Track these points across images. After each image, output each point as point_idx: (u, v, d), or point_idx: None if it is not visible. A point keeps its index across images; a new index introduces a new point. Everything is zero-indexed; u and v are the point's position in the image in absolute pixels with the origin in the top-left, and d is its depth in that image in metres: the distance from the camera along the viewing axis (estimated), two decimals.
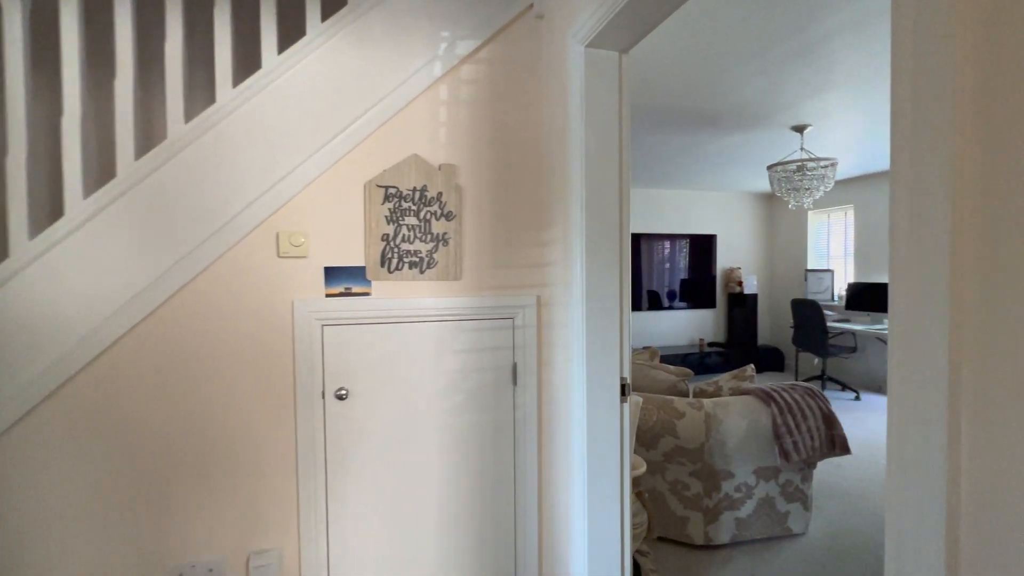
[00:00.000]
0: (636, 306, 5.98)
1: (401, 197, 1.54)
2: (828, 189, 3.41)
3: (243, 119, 1.39)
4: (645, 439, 2.25)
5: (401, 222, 1.54)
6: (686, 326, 6.27)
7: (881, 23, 2.00)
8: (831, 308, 5.65)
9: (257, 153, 1.41)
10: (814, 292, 5.80)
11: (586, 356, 1.42)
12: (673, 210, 6.13)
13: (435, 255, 1.58)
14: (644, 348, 5.36)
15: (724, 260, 6.41)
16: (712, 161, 4.47)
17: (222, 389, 1.41)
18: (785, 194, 3.50)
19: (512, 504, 1.68)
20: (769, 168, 3.51)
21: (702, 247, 6.27)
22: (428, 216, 1.57)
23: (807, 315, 4.97)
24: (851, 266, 5.58)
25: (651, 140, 3.76)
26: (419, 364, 1.58)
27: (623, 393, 1.46)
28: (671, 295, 6.16)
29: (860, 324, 5.04)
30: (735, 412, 2.19)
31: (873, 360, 5.24)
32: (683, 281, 6.22)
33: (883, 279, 5.14)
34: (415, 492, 1.59)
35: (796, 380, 5.42)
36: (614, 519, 1.45)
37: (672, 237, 6.13)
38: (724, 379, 2.59)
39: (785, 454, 2.15)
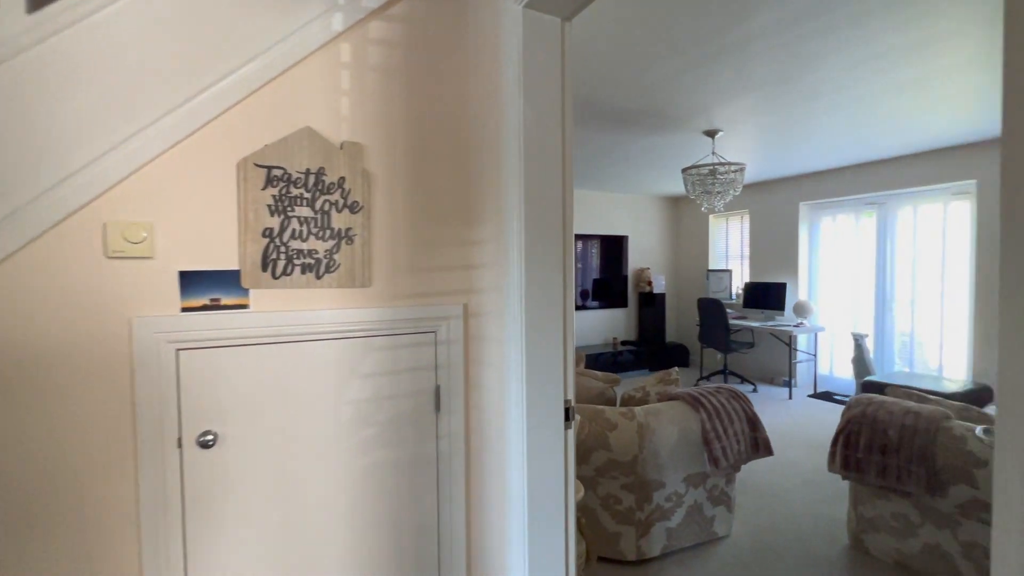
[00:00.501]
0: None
1: (290, 181, 1.21)
2: (736, 193, 3.54)
3: (53, 58, 0.98)
4: (577, 454, 2.09)
5: (290, 213, 1.21)
6: (600, 325, 6.35)
7: (805, 23, 2.01)
8: (730, 306, 6.02)
9: (75, 109, 1.00)
10: (715, 291, 6.15)
11: (526, 375, 1.20)
12: (588, 211, 6.18)
13: (336, 256, 1.26)
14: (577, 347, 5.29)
15: (635, 261, 6.60)
16: (630, 163, 4.50)
17: (38, 434, 0.99)
18: (698, 196, 3.57)
19: (436, 555, 1.41)
20: (684, 171, 3.56)
21: (615, 248, 6.39)
22: (326, 206, 1.25)
23: (712, 313, 5.22)
24: (747, 267, 5.99)
25: (582, 136, 3.65)
26: (316, 394, 1.25)
27: (567, 418, 1.26)
28: (584, 295, 6.20)
29: (756, 321, 5.41)
30: (666, 420, 2.11)
31: (767, 354, 5.65)
32: (596, 281, 6.29)
33: (775, 279, 5.56)
34: (312, 554, 1.26)
35: (701, 374, 5.71)
36: (558, 564, 1.25)
37: (586, 237, 6.18)
38: (650, 383, 2.53)
39: (715, 460, 2.10)
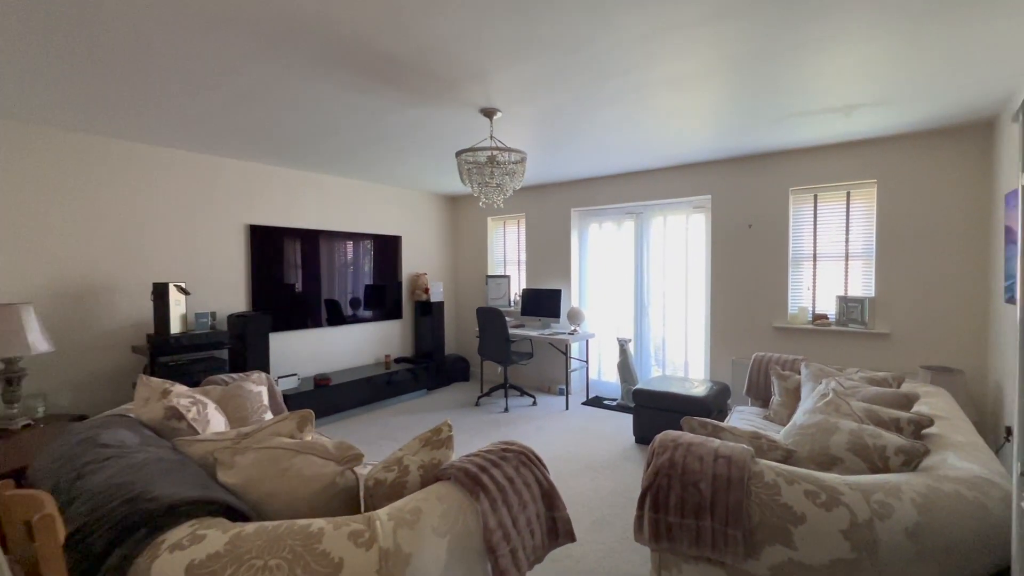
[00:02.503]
0: (315, 321, 4.66)
1: None
2: (517, 187, 3.02)
3: None
4: None
5: None
6: (370, 341, 5.33)
7: None
8: (509, 314, 5.72)
9: None
10: (494, 298, 5.78)
11: None
12: (354, 204, 5.09)
13: None
14: (320, 378, 4.09)
15: (410, 265, 5.78)
16: (396, 144, 3.63)
17: None
18: (475, 188, 2.93)
19: None
20: (458, 155, 2.87)
21: (388, 250, 5.46)
22: None
23: (491, 324, 4.76)
24: (524, 273, 5.78)
25: (311, 92, 2.59)
26: None
27: None
28: (351, 304, 5.10)
29: (534, 329, 5.17)
30: (429, 530, 1.29)
31: (544, 363, 5.50)
32: (366, 288, 5.26)
33: (550, 285, 5.45)
34: None
35: (482, 390, 5.22)
36: None
37: (355, 236, 5.08)
38: (411, 449, 1.68)
39: (501, 573, 1.38)
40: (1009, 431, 2.66)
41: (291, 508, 1.46)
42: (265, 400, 2.73)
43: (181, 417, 2.04)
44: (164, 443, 1.81)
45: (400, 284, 5.60)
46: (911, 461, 1.65)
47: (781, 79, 2.45)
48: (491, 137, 2.93)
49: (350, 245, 5.09)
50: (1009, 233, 2.65)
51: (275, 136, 3.42)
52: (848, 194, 3.80)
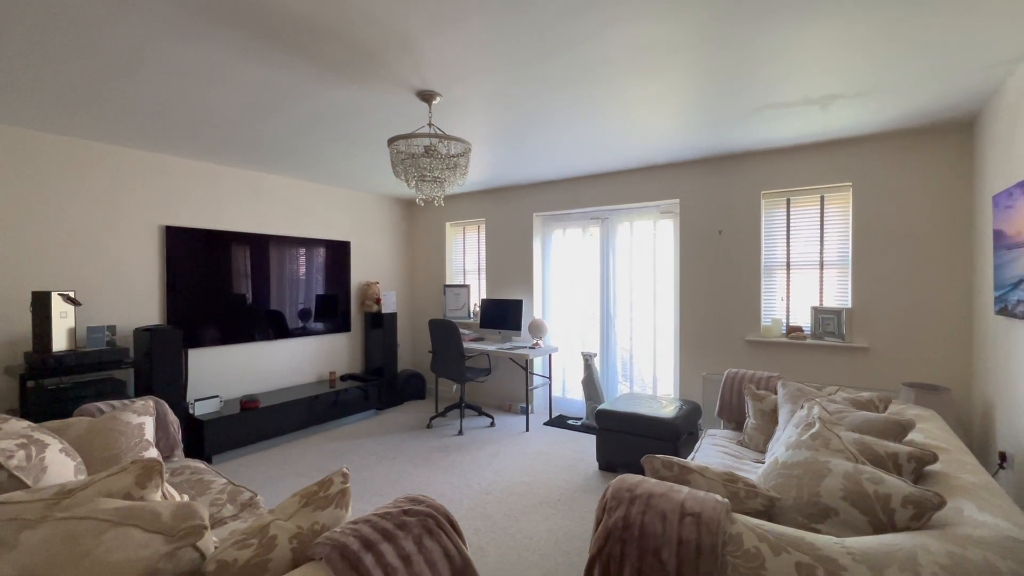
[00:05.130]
0: (247, 336, 4.14)
1: None
2: (462, 182, 2.64)
3: None
4: None
5: None
6: (313, 356, 4.83)
7: None
8: (467, 326, 5.31)
9: None
10: (452, 309, 5.37)
11: None
12: (297, 206, 4.62)
13: None
14: (247, 400, 3.34)
15: (360, 273, 5.32)
16: (329, 133, 3.21)
17: None
18: (410, 182, 2.54)
19: None
20: (390, 143, 2.48)
21: (335, 256, 4.99)
22: None
23: (445, 338, 4.34)
24: (484, 282, 5.40)
25: (203, 61, 2.16)
26: None
27: None
28: (289, 317, 4.61)
29: (493, 343, 4.78)
30: None
31: (504, 379, 5.10)
32: (308, 299, 4.77)
33: (512, 295, 5.07)
34: None
35: (436, 410, 4.78)
36: None
37: (296, 242, 4.60)
38: (286, 510, 1.26)
39: None
40: (1003, 457, 2.40)
41: None
42: (148, 434, 2.24)
43: None
44: None
45: (348, 294, 5.13)
46: (922, 515, 1.32)
47: (752, 57, 2.15)
48: (429, 124, 2.55)
49: (291, 251, 4.61)
50: (999, 237, 2.41)
51: (184, 122, 2.96)
52: (822, 198, 3.56)
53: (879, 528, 1.34)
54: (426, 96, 2.52)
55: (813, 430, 1.75)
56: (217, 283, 4.02)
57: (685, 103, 2.67)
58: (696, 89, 2.48)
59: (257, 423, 3.81)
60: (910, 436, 2.01)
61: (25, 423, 1.86)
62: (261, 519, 1.24)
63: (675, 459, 1.63)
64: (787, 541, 1.19)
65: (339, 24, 1.84)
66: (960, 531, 1.24)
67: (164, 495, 1.47)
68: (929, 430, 2.07)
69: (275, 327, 4.44)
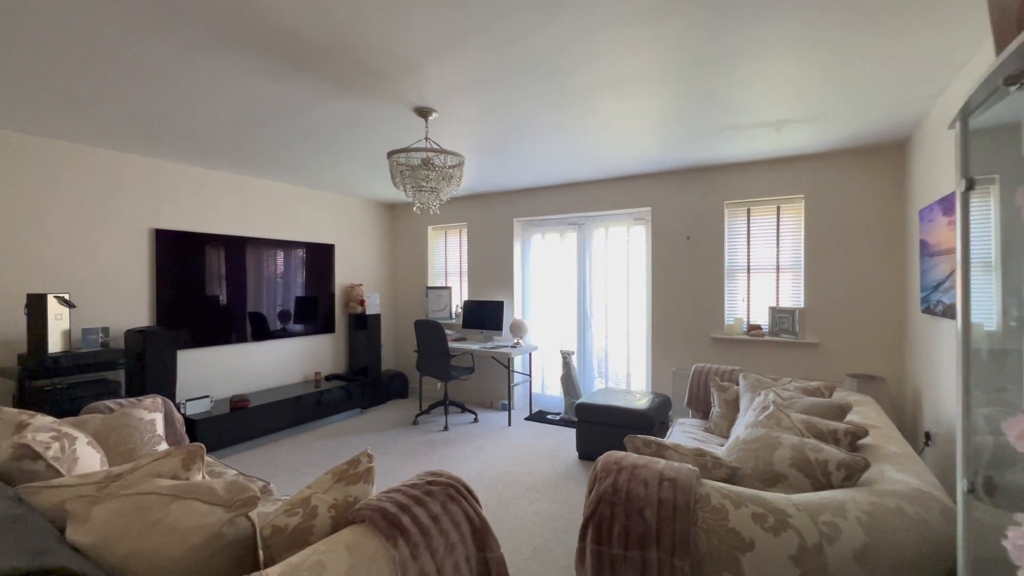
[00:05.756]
0: (235, 337, 4.21)
1: None
2: (455, 192, 2.84)
3: None
4: None
5: None
6: (299, 357, 4.92)
7: None
8: (450, 327, 5.50)
9: None
10: (434, 310, 5.54)
11: None
12: (283, 210, 4.70)
13: None
14: (237, 400, 3.60)
15: (344, 275, 5.43)
16: (327, 142, 3.35)
17: None
18: (409, 191, 2.73)
19: None
20: (390, 156, 2.66)
21: (320, 259, 5.09)
22: None
23: (430, 338, 4.52)
24: (466, 284, 5.59)
25: (217, 77, 2.30)
26: None
27: None
28: (275, 318, 4.69)
29: (476, 343, 4.99)
30: None
31: (486, 377, 5.31)
32: (293, 300, 4.86)
33: (493, 297, 5.29)
34: None
35: (421, 407, 4.94)
36: None
37: (286, 244, 4.69)
38: (322, 485, 1.44)
39: None
40: (928, 436, 2.77)
41: (160, 572, 1.18)
42: (159, 429, 2.36)
43: (37, 456, 1.68)
44: (5, 493, 1.46)
45: (333, 296, 5.24)
46: (852, 475, 1.61)
47: (717, 88, 2.45)
48: (426, 139, 2.75)
49: (277, 254, 4.69)
50: (924, 246, 2.79)
51: (183, 129, 3.06)
52: (778, 208, 3.93)
53: (819, 487, 1.63)
54: (423, 112, 2.71)
55: (768, 412, 2.04)
56: (204, 285, 4.09)
57: (658, 123, 2.96)
58: (667, 111, 2.76)
59: (247, 422, 3.90)
60: (849, 417, 2.34)
61: (50, 419, 1.96)
62: (302, 493, 1.43)
63: (652, 438, 1.89)
64: (745, 498, 1.46)
65: (349, 47, 2.02)
66: (881, 487, 1.54)
67: (204, 477, 1.63)
68: (865, 412, 2.40)
69: (259, 328, 4.52)
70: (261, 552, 1.33)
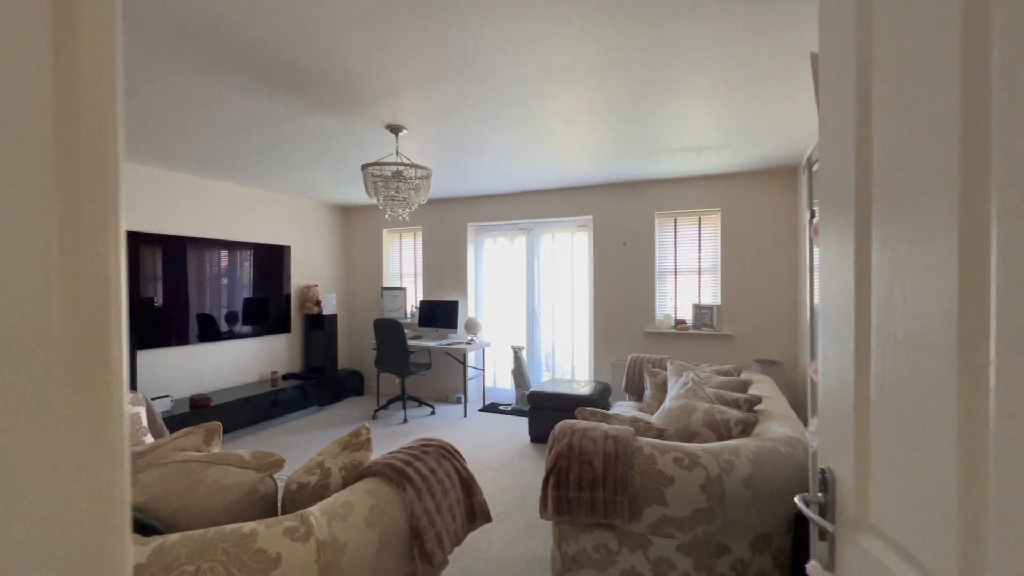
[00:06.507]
0: (187, 338, 4.23)
1: None
2: (423, 201, 3.15)
3: None
4: None
5: None
6: (255, 357, 4.98)
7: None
8: (407, 326, 5.74)
9: None
10: (390, 310, 5.76)
11: None
12: (236, 211, 4.75)
13: None
14: (197, 399, 3.73)
15: (300, 277, 5.52)
16: (293, 150, 3.53)
17: None
18: (381, 201, 3.00)
19: None
20: (364, 168, 2.93)
21: (274, 260, 5.16)
22: None
23: (389, 336, 4.76)
24: (420, 285, 5.86)
25: (204, 94, 2.48)
26: None
27: None
28: (231, 318, 4.73)
29: (431, 340, 5.27)
30: (361, 521, 1.38)
31: (441, 373, 5.61)
32: (249, 301, 4.91)
33: (448, 297, 5.59)
34: None
35: (379, 403, 5.15)
36: None
37: (235, 245, 4.73)
38: (331, 453, 1.74)
39: (427, 556, 1.51)
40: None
41: (206, 520, 1.44)
42: (144, 422, 2.49)
43: None
44: None
45: (288, 296, 5.32)
46: (746, 429, 2.11)
47: (649, 121, 2.94)
48: (396, 153, 3.04)
49: (231, 255, 4.73)
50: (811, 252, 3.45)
51: (149, 134, 3.15)
52: (699, 219, 4.55)
53: (723, 439, 2.12)
54: (395, 128, 3.00)
55: (688, 387, 2.53)
56: (161, 286, 4.10)
57: (600, 145, 3.42)
58: (608, 136, 3.23)
59: (209, 420, 3.96)
60: (750, 391, 2.90)
61: None
62: (314, 459, 1.71)
63: (599, 409, 2.32)
64: (668, 448, 1.91)
65: (335, 73, 2.29)
66: (766, 436, 2.05)
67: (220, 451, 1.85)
68: (762, 387, 2.98)
69: (213, 329, 4.56)
70: (280, 505, 1.61)
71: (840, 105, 0.78)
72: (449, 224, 5.59)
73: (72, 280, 0.34)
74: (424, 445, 1.76)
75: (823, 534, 0.81)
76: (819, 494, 0.82)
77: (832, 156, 0.81)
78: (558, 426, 2.07)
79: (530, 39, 1.97)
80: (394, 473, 1.56)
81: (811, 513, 0.81)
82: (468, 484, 1.75)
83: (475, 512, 1.74)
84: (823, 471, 0.83)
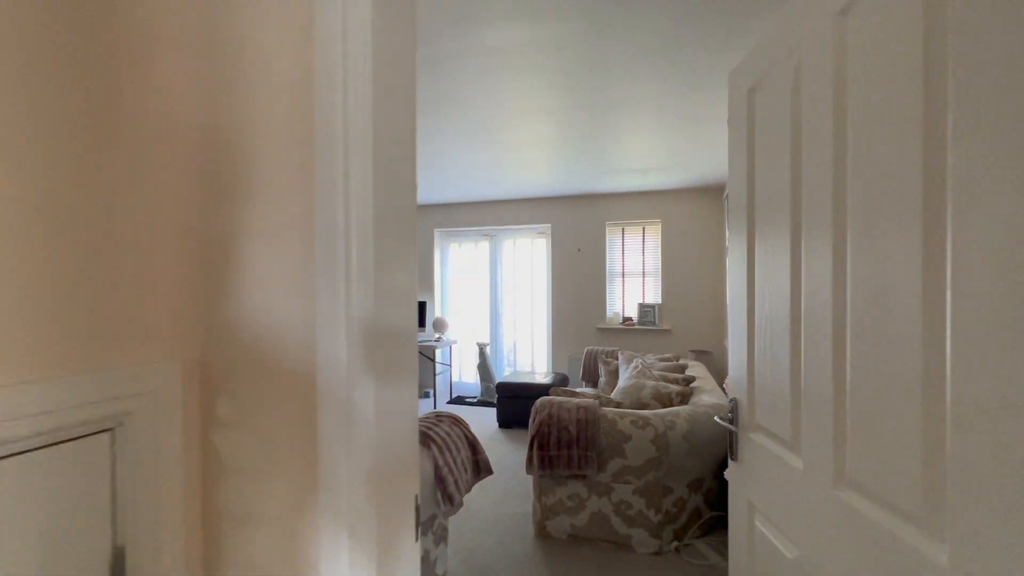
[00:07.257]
0: None
1: None
2: None
3: None
4: None
5: None
6: None
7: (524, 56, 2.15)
8: None
9: None
10: None
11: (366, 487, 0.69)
12: None
13: None
14: None
15: None
16: None
17: None
18: None
19: None
20: None
21: None
22: None
23: None
24: None
25: None
26: None
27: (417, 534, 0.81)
28: None
29: None
30: None
31: None
32: None
33: (417, 298, 5.93)
34: None
35: None
36: None
37: None
38: None
39: (449, 497, 1.93)
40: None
41: None
42: None
43: None
44: None
45: None
46: (685, 400, 2.69)
47: (603, 147, 3.49)
48: None
49: None
50: None
51: None
52: (644, 229, 5.20)
53: (667, 407, 2.68)
54: None
55: (638, 370, 3.10)
56: None
57: (559, 164, 3.95)
58: (565, 156, 3.76)
59: None
60: (687, 372, 3.52)
61: None
62: None
63: (568, 388, 2.82)
64: (627, 414, 2.44)
65: None
66: (699, 404, 2.63)
67: None
68: (696, 371, 3.62)
69: None
70: None
71: (738, 159, 1.31)
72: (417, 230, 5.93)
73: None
74: (438, 416, 2.18)
75: (731, 437, 1.33)
76: (729, 414, 1.34)
77: (735, 188, 1.34)
78: (538, 401, 2.55)
79: (506, 89, 2.44)
80: (422, 435, 1.98)
81: (725, 423, 1.33)
82: (473, 445, 2.19)
83: (479, 466, 2.18)
84: (733, 400, 1.35)
